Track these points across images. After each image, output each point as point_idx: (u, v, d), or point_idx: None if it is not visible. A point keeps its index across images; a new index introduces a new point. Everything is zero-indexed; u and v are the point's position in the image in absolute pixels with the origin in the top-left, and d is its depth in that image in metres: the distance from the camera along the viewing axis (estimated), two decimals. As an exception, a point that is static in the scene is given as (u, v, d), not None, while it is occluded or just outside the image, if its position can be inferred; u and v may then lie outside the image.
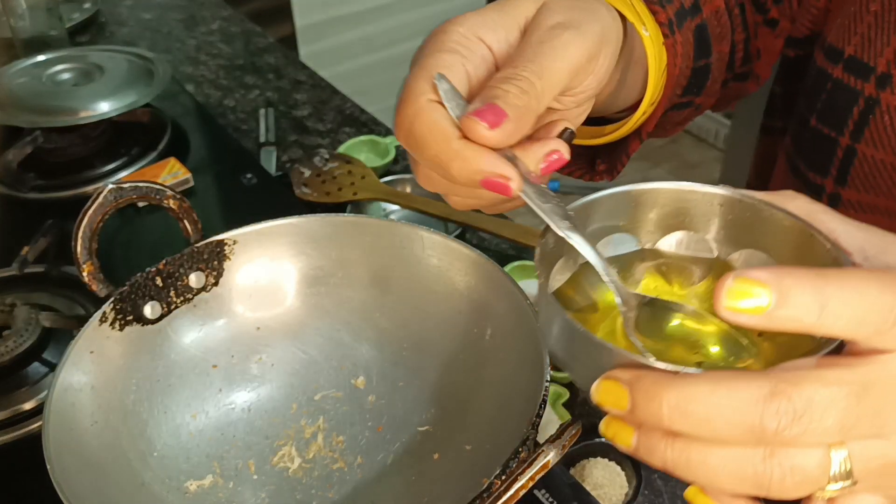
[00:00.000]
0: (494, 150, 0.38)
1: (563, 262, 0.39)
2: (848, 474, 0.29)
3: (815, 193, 0.57)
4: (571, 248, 0.37)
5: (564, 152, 0.41)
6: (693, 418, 0.28)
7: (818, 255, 0.35)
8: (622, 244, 0.41)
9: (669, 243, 0.41)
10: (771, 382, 0.28)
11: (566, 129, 0.43)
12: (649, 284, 0.41)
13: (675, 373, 0.29)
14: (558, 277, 0.39)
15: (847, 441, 0.29)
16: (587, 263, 0.37)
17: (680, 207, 0.40)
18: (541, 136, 0.42)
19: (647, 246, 0.41)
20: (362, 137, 1.12)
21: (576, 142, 0.53)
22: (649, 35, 0.47)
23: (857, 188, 0.55)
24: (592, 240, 0.38)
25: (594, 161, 0.56)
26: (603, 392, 0.31)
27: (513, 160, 0.39)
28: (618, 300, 0.37)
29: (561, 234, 0.37)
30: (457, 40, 0.42)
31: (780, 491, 0.29)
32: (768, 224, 0.38)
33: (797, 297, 0.28)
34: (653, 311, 0.37)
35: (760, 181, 0.70)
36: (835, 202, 0.56)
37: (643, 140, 0.53)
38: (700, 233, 0.41)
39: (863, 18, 0.53)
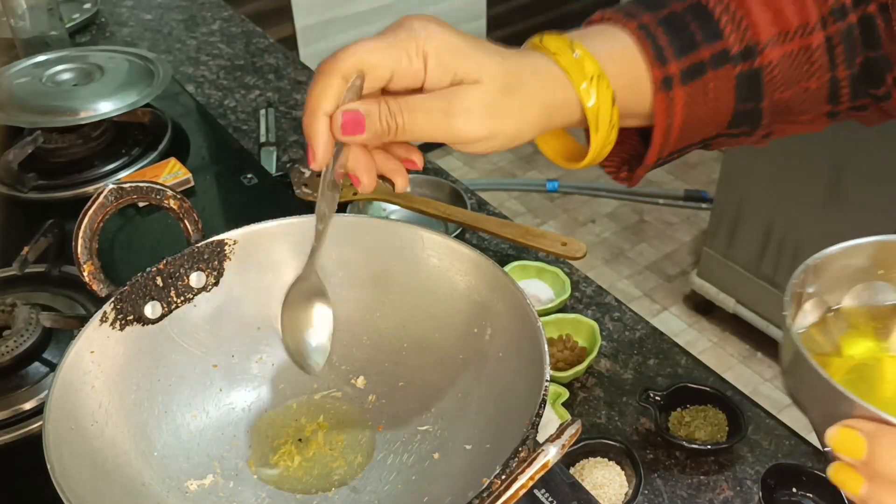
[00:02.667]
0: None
1: (814, 304, 0.41)
2: None
3: None
4: (824, 289, 0.39)
5: (365, 184, 0.50)
6: None
7: None
8: (880, 293, 0.42)
9: None
10: None
11: (389, 180, 0.52)
12: None
13: None
14: (808, 318, 0.41)
15: None
16: (839, 309, 0.39)
17: None
18: (393, 159, 0.52)
19: None
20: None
21: (549, 156, 0.60)
22: (592, 105, 0.51)
23: None
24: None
25: (622, 164, 0.59)
26: (840, 439, 0.32)
27: (339, 152, 0.48)
28: None
29: (317, 211, 0.50)
30: (405, 38, 0.50)
31: None
32: None
33: (887, 455, 0.30)
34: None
35: None
36: None
37: (647, 168, 0.56)
38: None
39: None
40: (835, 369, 0.39)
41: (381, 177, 0.52)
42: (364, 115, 0.47)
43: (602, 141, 0.52)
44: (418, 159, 0.53)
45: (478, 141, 0.49)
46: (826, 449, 0.34)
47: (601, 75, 0.50)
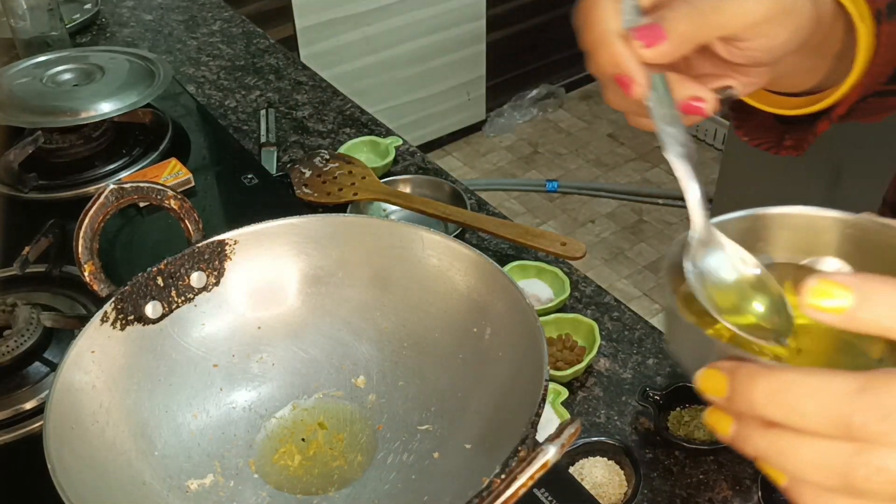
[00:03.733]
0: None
1: (696, 275, 0.41)
2: None
3: None
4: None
5: (709, 104, 0.43)
6: (785, 407, 0.30)
7: None
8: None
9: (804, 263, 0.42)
10: (863, 379, 0.29)
11: (728, 86, 0.45)
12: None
13: (774, 365, 0.31)
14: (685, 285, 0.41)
15: None
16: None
17: (810, 231, 0.41)
18: (703, 82, 0.44)
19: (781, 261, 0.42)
20: (363, 138, 1.12)
21: (763, 107, 0.54)
22: (863, 28, 0.48)
23: None
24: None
25: (782, 136, 0.56)
26: (705, 379, 0.33)
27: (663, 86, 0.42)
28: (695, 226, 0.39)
29: (666, 155, 0.40)
30: None
31: (866, 490, 0.29)
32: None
33: (878, 300, 0.29)
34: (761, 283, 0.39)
35: None
36: None
37: (833, 122, 0.53)
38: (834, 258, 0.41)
39: None
40: (707, 324, 0.40)
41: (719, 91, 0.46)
42: (659, 23, 0.41)
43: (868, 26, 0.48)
44: (732, 82, 0.46)
45: (781, 19, 0.43)
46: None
47: None
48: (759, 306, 0.38)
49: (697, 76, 0.45)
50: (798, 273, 0.41)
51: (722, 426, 0.33)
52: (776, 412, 0.30)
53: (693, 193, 0.40)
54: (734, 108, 0.58)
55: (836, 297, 0.29)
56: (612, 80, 0.42)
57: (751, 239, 0.41)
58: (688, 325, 0.36)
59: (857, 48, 0.48)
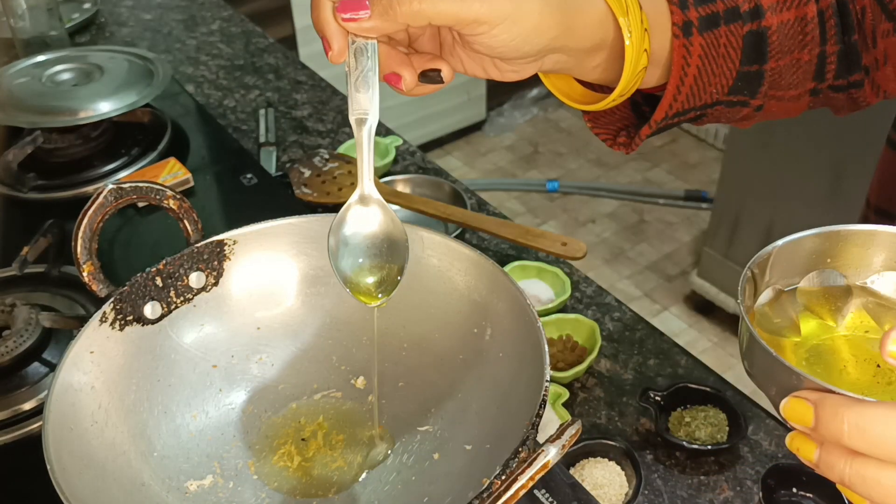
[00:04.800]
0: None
1: (768, 292, 0.45)
2: None
3: None
4: (777, 278, 0.42)
5: (406, 83, 0.48)
6: (870, 438, 0.32)
7: None
8: (830, 278, 0.44)
9: (883, 283, 0.44)
10: None
11: (437, 71, 0.49)
12: (855, 321, 0.43)
13: (858, 398, 0.33)
14: (762, 302, 0.44)
15: None
16: (794, 290, 0.42)
17: (874, 246, 0.44)
18: (420, 62, 0.49)
19: (857, 283, 0.44)
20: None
21: (561, 98, 0.56)
22: (629, 44, 0.50)
23: None
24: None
25: (618, 132, 0.59)
26: (791, 409, 0.35)
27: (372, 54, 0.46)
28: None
29: (350, 117, 0.46)
30: None
31: None
32: None
33: None
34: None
35: (885, 194, 0.67)
36: None
37: (653, 128, 0.55)
38: None
39: None
40: (792, 350, 0.42)
41: (424, 73, 0.49)
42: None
43: (636, 48, 0.50)
44: (444, 67, 0.49)
45: (496, 23, 0.45)
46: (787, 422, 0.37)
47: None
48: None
49: (417, 52, 0.49)
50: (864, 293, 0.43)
51: (805, 452, 0.36)
52: (861, 444, 0.32)
53: (364, 158, 0.46)
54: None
55: (802, 418, 0.33)
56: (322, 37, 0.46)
57: (820, 256, 0.44)
58: (773, 356, 0.37)
59: (625, 59, 0.50)
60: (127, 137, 1.06)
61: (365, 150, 0.47)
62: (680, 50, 0.52)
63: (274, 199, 0.97)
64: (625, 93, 0.52)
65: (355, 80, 0.46)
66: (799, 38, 0.57)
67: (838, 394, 0.34)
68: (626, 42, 0.49)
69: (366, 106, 0.47)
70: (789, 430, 0.76)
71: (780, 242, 0.43)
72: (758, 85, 0.57)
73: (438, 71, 0.49)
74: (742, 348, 0.41)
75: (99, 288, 0.54)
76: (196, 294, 0.58)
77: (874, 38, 0.58)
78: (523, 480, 0.41)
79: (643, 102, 0.59)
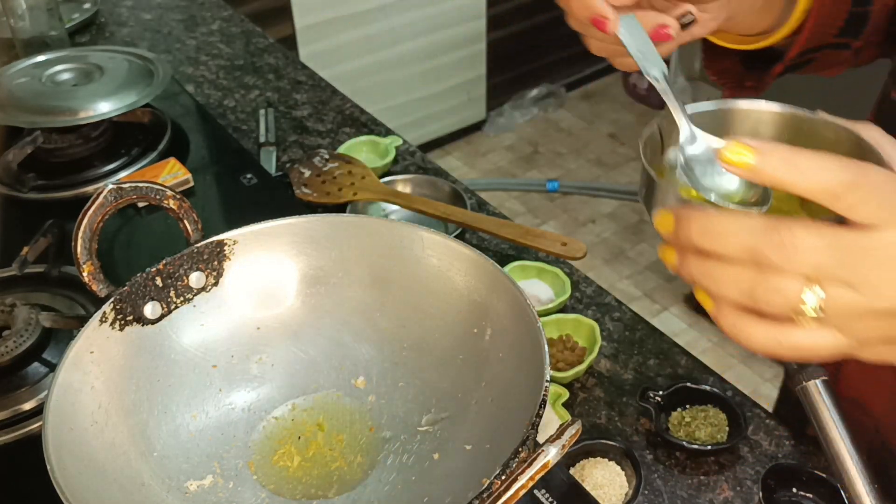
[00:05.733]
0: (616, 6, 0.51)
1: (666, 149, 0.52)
2: (819, 309, 0.38)
3: None
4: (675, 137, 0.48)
5: (673, 28, 0.53)
6: (711, 237, 0.39)
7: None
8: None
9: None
10: (773, 221, 0.37)
11: (687, 12, 0.54)
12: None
13: (707, 208, 0.40)
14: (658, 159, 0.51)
15: (823, 283, 0.37)
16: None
17: (760, 121, 0.50)
18: (666, 12, 0.54)
19: None
20: (362, 138, 1.12)
21: (722, 43, 0.63)
22: None
23: None
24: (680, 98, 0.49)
25: (744, 77, 0.65)
26: (660, 218, 0.41)
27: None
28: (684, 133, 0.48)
29: (647, 76, 0.50)
30: None
31: (765, 304, 0.38)
32: (828, 137, 0.47)
33: (774, 159, 0.37)
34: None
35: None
36: None
37: (786, 66, 0.62)
38: None
39: None
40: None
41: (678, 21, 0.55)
42: None
43: None
44: (691, 7, 0.55)
45: None
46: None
47: None
48: (732, 184, 0.46)
49: (661, 9, 0.55)
50: None
51: (669, 258, 0.42)
52: (704, 243, 0.39)
53: (672, 102, 0.48)
54: (705, 51, 0.66)
55: (743, 155, 0.37)
56: (590, 25, 0.51)
57: (719, 127, 0.49)
58: (661, 183, 0.45)
59: None
60: (127, 137, 1.06)
61: (671, 95, 0.49)
62: None
63: (274, 199, 0.97)
64: (795, 25, 0.59)
65: (638, 45, 0.51)
66: None
67: (695, 207, 0.41)
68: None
69: (658, 60, 0.51)
70: (789, 430, 0.76)
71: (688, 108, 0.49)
72: (862, 27, 0.62)
73: (689, 13, 0.55)
74: (640, 191, 0.48)
75: (99, 288, 0.54)
76: (196, 294, 0.58)
77: None
78: (523, 480, 0.41)
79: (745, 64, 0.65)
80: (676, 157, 0.47)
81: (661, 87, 0.49)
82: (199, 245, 0.58)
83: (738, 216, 0.39)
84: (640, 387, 0.78)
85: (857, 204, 0.37)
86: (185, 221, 0.58)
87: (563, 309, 0.87)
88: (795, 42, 0.60)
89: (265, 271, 0.60)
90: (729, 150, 0.38)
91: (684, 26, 0.54)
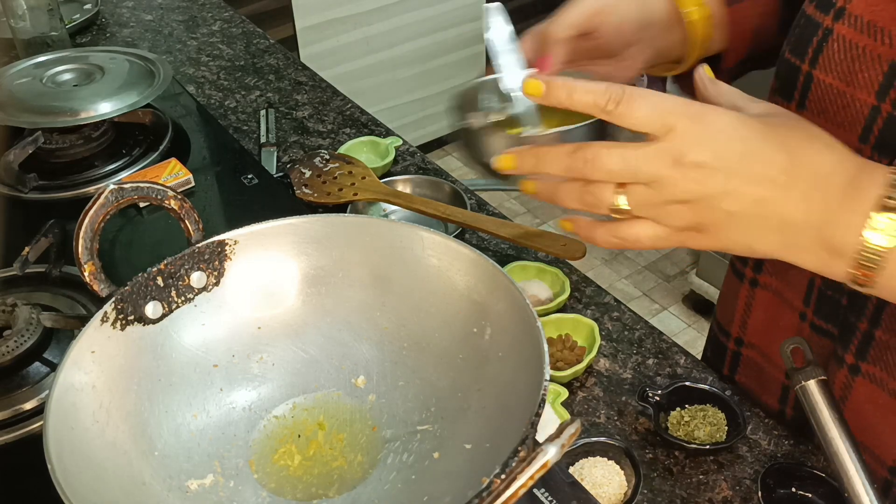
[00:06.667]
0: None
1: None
2: (626, 208, 0.51)
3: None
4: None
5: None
6: (544, 162, 0.53)
7: None
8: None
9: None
10: (578, 144, 0.51)
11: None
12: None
13: (534, 142, 0.55)
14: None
15: (628, 186, 0.50)
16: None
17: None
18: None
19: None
20: (363, 138, 1.12)
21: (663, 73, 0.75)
22: (695, 18, 0.68)
23: (814, 112, 0.61)
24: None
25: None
26: (504, 160, 0.54)
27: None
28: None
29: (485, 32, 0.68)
30: None
31: (593, 208, 0.52)
32: None
33: (556, 87, 0.51)
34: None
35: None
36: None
37: (732, 72, 0.73)
38: None
39: None
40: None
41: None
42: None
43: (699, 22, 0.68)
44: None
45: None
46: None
47: None
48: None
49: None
50: None
51: (529, 188, 0.55)
52: (540, 167, 0.53)
53: (504, 61, 0.64)
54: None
55: (537, 86, 0.52)
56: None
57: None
58: (490, 131, 0.59)
59: (693, 29, 0.68)
60: (128, 138, 1.06)
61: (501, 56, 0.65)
62: (736, 14, 0.69)
63: (275, 199, 0.97)
64: (697, 57, 0.69)
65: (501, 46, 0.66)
66: None
67: (527, 144, 0.55)
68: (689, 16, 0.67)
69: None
70: (789, 431, 0.76)
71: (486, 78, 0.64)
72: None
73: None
74: (463, 137, 0.61)
75: (100, 288, 0.55)
76: (197, 294, 0.58)
77: None
78: (523, 479, 0.41)
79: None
80: (499, 106, 0.61)
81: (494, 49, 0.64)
82: (200, 245, 0.58)
83: (555, 147, 0.52)
84: (639, 386, 0.78)
85: (625, 113, 0.49)
86: (186, 221, 0.58)
87: (562, 308, 0.88)
88: (726, 57, 0.71)
89: (266, 271, 0.60)
90: (527, 85, 0.52)
91: None
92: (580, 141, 0.52)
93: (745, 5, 0.69)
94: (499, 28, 0.67)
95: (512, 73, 0.63)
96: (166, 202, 0.57)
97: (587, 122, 0.54)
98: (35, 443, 0.45)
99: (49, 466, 0.44)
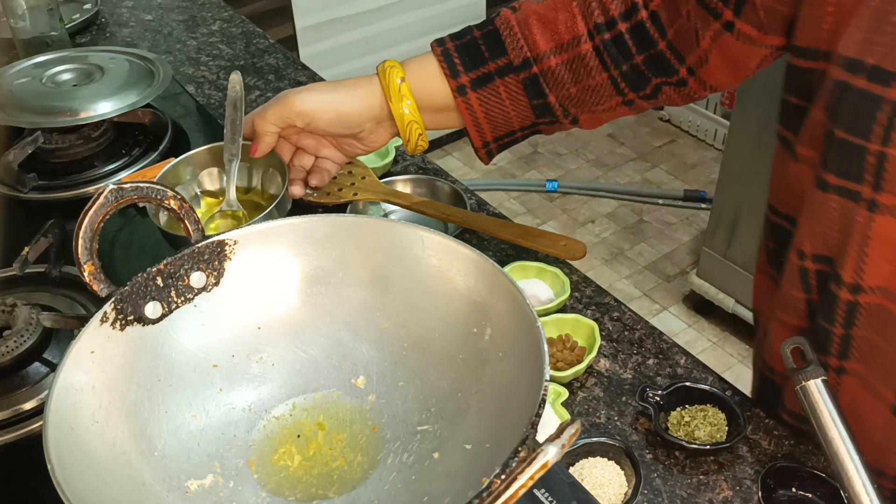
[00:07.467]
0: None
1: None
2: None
3: (853, 200, 0.59)
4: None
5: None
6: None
7: None
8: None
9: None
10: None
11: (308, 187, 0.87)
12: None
13: None
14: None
15: None
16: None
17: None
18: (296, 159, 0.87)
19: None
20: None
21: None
22: (408, 113, 0.77)
23: (893, 192, 0.57)
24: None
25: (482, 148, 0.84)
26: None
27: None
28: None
29: (225, 156, 0.86)
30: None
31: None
32: None
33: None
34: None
35: (783, 192, 0.72)
36: (873, 208, 0.58)
37: (481, 152, 0.83)
38: None
39: (883, 30, 0.55)
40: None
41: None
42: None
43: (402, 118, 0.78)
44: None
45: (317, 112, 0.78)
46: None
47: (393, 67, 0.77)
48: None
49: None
50: None
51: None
52: None
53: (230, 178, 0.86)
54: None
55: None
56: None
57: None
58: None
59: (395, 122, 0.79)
60: (128, 138, 1.06)
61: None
62: (461, 105, 0.77)
63: (274, 199, 0.97)
64: (410, 140, 0.79)
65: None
66: (581, 70, 0.74)
67: None
68: (405, 111, 0.77)
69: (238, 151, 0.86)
70: (788, 431, 0.76)
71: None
72: (552, 111, 0.77)
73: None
74: None
75: (100, 288, 0.55)
76: (197, 294, 0.58)
77: (697, 38, 0.69)
78: (523, 480, 0.41)
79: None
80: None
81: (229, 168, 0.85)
82: (199, 245, 0.58)
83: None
84: (639, 386, 0.78)
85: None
86: (186, 221, 0.58)
87: (562, 309, 0.88)
88: (472, 138, 0.80)
89: (266, 271, 0.60)
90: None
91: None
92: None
93: (473, 96, 0.76)
94: (233, 94, 0.84)
95: (230, 140, 0.84)
96: (166, 202, 0.57)
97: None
98: (35, 443, 0.45)
99: (49, 466, 0.44)
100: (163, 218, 0.80)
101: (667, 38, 0.71)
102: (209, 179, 0.91)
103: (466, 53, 0.75)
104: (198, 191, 0.91)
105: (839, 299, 0.63)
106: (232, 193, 0.85)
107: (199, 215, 0.87)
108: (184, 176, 0.89)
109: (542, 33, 0.73)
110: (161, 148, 1.03)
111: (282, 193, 0.81)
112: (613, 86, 0.74)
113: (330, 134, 0.80)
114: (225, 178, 0.85)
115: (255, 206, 0.89)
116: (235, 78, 0.87)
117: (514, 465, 0.42)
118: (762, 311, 0.80)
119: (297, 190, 0.84)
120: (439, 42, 0.76)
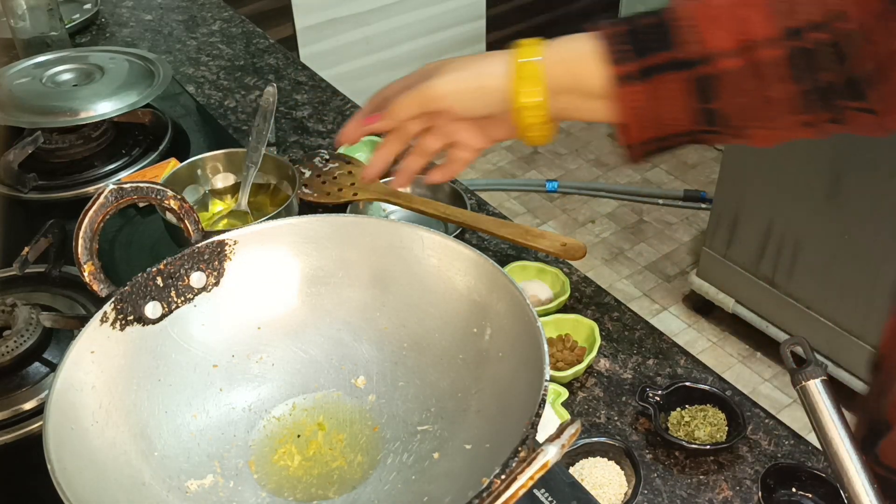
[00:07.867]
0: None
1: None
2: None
3: None
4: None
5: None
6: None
7: None
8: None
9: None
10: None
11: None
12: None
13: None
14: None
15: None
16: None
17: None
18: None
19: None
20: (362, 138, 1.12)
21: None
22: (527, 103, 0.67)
23: None
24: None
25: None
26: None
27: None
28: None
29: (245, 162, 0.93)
30: None
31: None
32: None
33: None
34: None
35: None
36: None
37: (626, 152, 0.71)
38: None
39: None
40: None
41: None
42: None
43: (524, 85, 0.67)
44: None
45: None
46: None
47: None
48: None
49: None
50: None
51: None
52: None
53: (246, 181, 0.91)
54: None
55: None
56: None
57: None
58: None
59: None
60: (128, 138, 1.06)
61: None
62: (627, 96, 0.64)
63: (274, 199, 0.97)
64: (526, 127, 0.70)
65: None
66: (756, 81, 0.61)
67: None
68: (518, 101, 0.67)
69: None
70: (788, 431, 0.76)
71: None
72: (724, 120, 0.64)
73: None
74: None
75: (100, 288, 0.54)
76: (197, 294, 0.58)
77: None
78: (523, 480, 0.41)
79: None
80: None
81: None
82: (199, 245, 0.58)
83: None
84: (639, 386, 0.78)
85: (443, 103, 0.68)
86: (186, 221, 0.58)
87: (562, 309, 0.88)
88: (620, 135, 0.69)
89: (266, 271, 0.60)
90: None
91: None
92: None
93: (637, 89, 0.64)
94: (266, 105, 0.88)
95: (253, 148, 0.92)
96: (166, 202, 0.57)
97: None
98: (35, 443, 0.45)
99: (49, 466, 0.44)
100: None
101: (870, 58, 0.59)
102: (222, 181, 0.95)
103: (633, 41, 0.64)
104: (206, 189, 0.94)
105: None
106: (244, 198, 0.91)
107: (209, 216, 0.94)
108: (196, 175, 0.94)
109: (721, 29, 0.62)
110: (161, 148, 1.03)
111: (290, 199, 0.81)
112: (798, 102, 0.62)
113: (472, 116, 0.71)
114: (238, 181, 0.92)
115: (264, 214, 0.91)
116: (271, 90, 0.89)
117: (514, 465, 0.42)
118: (889, 357, 0.69)
119: (404, 179, 0.74)
120: (598, 25, 0.66)
